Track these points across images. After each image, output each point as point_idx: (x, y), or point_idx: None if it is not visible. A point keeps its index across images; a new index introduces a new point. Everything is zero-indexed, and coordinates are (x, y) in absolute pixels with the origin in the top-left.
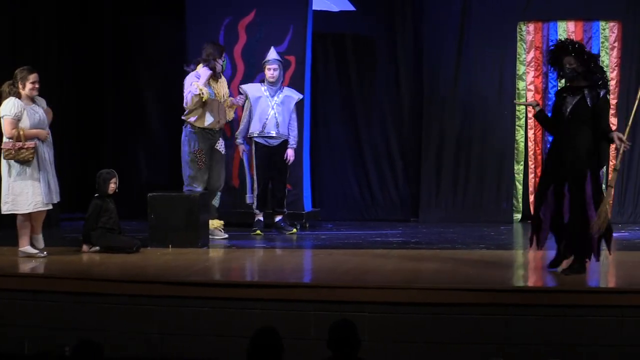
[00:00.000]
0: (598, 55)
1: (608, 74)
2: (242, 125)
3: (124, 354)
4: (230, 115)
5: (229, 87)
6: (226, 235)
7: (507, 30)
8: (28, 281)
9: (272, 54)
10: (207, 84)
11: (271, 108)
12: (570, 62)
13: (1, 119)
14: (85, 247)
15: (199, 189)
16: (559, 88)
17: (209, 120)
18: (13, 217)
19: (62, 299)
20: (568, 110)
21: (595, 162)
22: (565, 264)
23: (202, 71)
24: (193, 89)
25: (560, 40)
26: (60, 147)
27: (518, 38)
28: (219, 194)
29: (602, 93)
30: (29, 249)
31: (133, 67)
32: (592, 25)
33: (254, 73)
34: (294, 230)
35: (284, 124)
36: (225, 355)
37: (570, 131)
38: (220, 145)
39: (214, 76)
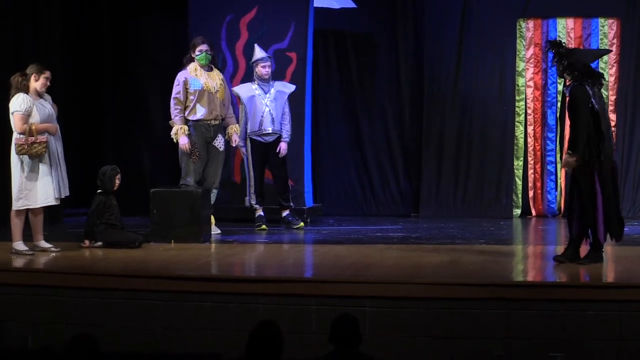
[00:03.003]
0: (584, 51)
1: (607, 68)
2: (241, 128)
3: (127, 348)
4: (235, 138)
5: (230, 83)
6: (219, 231)
7: (507, 27)
8: (32, 276)
9: (262, 52)
10: (195, 76)
11: (265, 105)
12: (555, 59)
13: (12, 115)
14: (86, 242)
15: (192, 182)
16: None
17: (200, 112)
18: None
19: (65, 293)
20: (559, 107)
21: (595, 149)
22: (582, 253)
23: (180, 75)
24: (177, 134)
25: (548, 41)
26: (63, 144)
27: (518, 35)
28: (215, 190)
29: (570, 87)
30: (20, 245)
31: (134, 63)
32: (591, 22)
33: None
34: (301, 224)
35: (279, 119)
36: (228, 350)
37: (565, 127)
38: (219, 142)
39: (202, 67)
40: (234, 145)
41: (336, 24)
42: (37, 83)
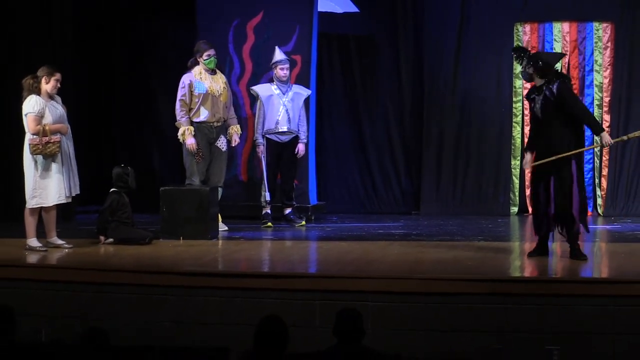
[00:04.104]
0: (545, 53)
1: (601, 71)
2: (258, 126)
3: (137, 341)
4: (235, 139)
5: (237, 86)
6: (226, 228)
7: (504, 30)
8: (46, 272)
9: (281, 54)
10: (200, 79)
11: (282, 105)
12: (523, 65)
13: (25, 117)
14: (102, 239)
15: (197, 182)
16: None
17: (203, 114)
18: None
19: (77, 288)
20: (539, 109)
21: (574, 147)
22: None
23: (185, 77)
24: (184, 136)
25: (513, 48)
26: (75, 143)
27: (515, 38)
28: (220, 189)
29: (556, 85)
30: (34, 241)
31: (144, 65)
32: (586, 26)
33: (262, 72)
34: (303, 222)
35: (295, 120)
36: (234, 343)
37: (546, 127)
38: (221, 143)
39: (207, 70)
40: (233, 145)
41: (339, 27)
42: (47, 85)
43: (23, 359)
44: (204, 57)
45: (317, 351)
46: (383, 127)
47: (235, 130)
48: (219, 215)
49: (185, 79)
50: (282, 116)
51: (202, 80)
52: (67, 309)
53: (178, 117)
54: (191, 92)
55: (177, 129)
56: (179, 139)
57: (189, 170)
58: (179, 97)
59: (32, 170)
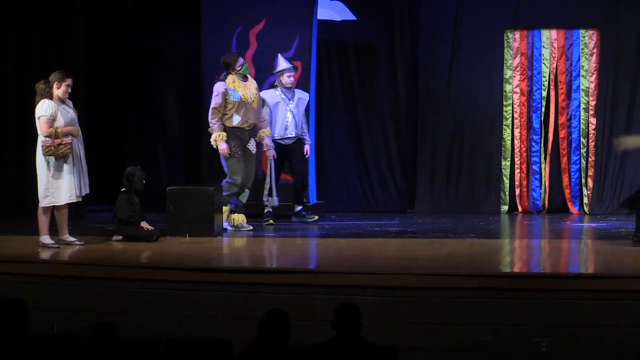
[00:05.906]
0: None
1: (587, 76)
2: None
3: (145, 334)
4: (266, 142)
5: None
6: (251, 227)
7: (496, 37)
8: (58, 268)
9: (287, 63)
10: (234, 87)
11: (289, 111)
12: None
13: (38, 120)
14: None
15: (239, 181)
16: None
17: (236, 120)
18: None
19: (88, 283)
20: None
21: None
22: None
23: (219, 86)
24: (217, 141)
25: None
26: (85, 144)
27: (505, 45)
28: (247, 190)
29: None
30: (47, 239)
31: (152, 70)
32: (573, 33)
33: (264, 77)
34: (316, 217)
35: (300, 124)
36: (238, 335)
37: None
38: (251, 145)
39: (239, 78)
40: (265, 150)
41: (338, 34)
42: (59, 90)
43: (36, 350)
44: (237, 67)
45: (317, 343)
46: (380, 129)
47: (266, 133)
48: (244, 216)
49: (219, 88)
50: (290, 122)
51: (235, 88)
52: (78, 303)
53: (211, 125)
54: (225, 100)
55: (186, 132)
56: (212, 145)
57: (231, 169)
58: (212, 105)
59: (45, 171)
